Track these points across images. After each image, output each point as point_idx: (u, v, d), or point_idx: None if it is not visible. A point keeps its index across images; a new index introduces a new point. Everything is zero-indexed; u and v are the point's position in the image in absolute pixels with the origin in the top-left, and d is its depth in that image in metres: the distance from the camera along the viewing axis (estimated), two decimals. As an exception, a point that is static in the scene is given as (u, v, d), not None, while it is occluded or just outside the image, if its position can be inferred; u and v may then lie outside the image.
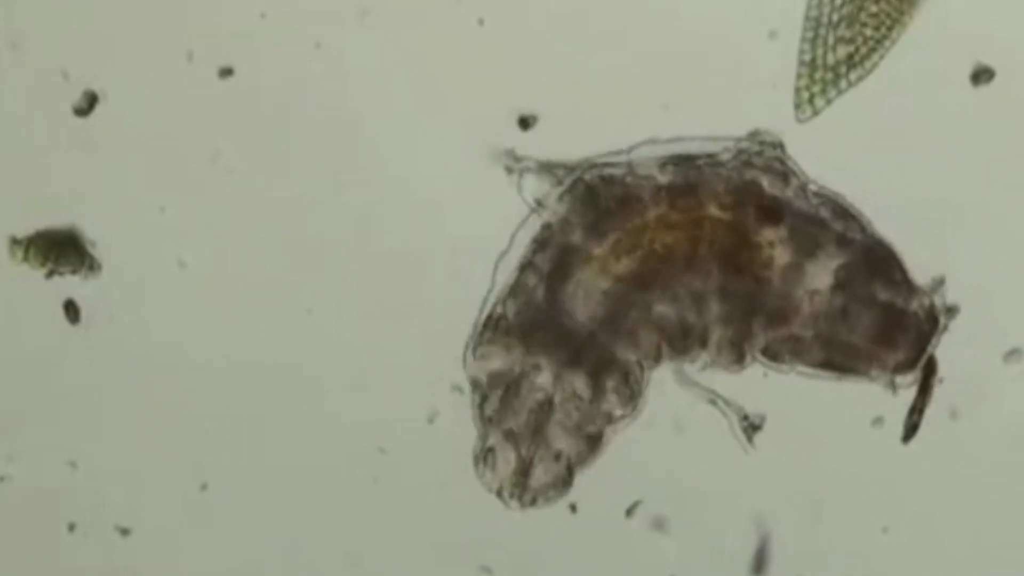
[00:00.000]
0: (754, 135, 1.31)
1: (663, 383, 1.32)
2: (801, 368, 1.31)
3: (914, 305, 1.31)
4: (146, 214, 1.36)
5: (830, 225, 1.30)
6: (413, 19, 1.34)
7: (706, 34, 1.34)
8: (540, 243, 1.31)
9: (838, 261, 1.30)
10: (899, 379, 1.32)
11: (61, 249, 1.36)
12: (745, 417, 1.33)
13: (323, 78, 1.35)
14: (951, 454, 1.35)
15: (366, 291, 1.35)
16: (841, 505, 1.36)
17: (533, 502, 1.33)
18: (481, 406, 1.32)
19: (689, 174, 1.30)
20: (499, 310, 1.31)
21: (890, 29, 1.33)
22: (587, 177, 1.31)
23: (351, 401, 1.35)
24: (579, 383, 1.31)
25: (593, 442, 1.32)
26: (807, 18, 1.33)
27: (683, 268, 1.29)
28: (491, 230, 1.33)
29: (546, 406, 1.31)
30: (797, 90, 1.33)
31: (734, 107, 1.33)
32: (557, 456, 1.32)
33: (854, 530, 1.36)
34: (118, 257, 1.37)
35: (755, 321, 1.30)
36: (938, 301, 1.31)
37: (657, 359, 1.31)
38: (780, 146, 1.31)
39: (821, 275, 1.29)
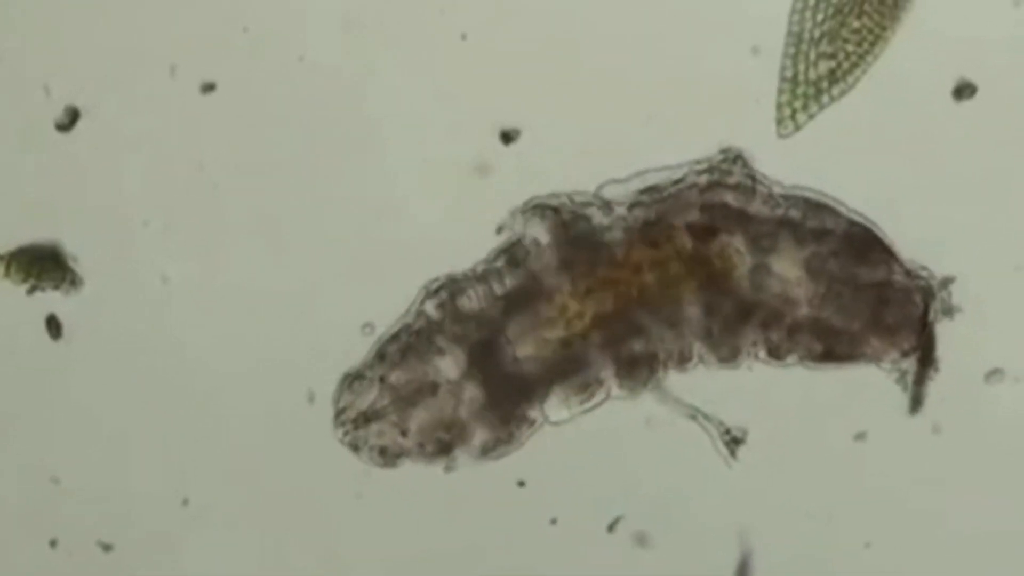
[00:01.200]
0: (726, 152, 1.32)
1: (643, 397, 1.32)
2: (805, 363, 1.31)
3: (903, 282, 1.31)
4: (128, 229, 1.36)
5: (801, 222, 1.30)
6: (396, 33, 1.34)
7: (689, 49, 1.34)
8: (511, 262, 1.31)
9: (810, 251, 1.30)
10: (905, 365, 1.31)
11: (43, 265, 1.35)
12: (727, 431, 1.33)
13: (306, 92, 1.35)
14: (933, 469, 1.35)
15: (351, 305, 1.35)
16: (824, 520, 1.36)
17: (354, 448, 1.32)
18: (386, 341, 1.32)
19: (655, 212, 1.30)
20: (462, 290, 1.31)
21: (872, 45, 1.33)
22: (564, 214, 1.31)
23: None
24: (473, 395, 1.31)
25: (442, 450, 1.32)
26: (789, 34, 1.33)
27: (653, 311, 1.29)
28: (472, 244, 1.33)
29: (431, 388, 1.31)
30: (779, 106, 1.33)
31: (716, 122, 1.33)
32: (403, 433, 1.32)
33: (837, 545, 1.36)
34: (100, 272, 1.36)
35: (743, 328, 1.30)
36: (943, 294, 1.31)
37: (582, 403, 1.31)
38: (740, 158, 1.31)
39: (792, 267, 1.29)
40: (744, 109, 1.34)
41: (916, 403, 1.32)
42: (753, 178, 1.31)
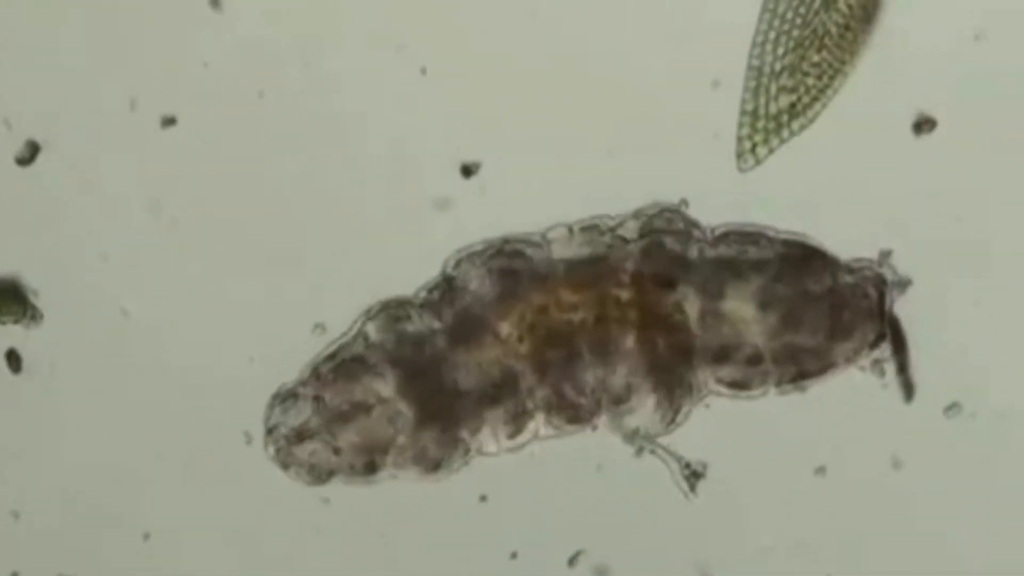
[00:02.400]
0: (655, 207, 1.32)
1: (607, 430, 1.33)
2: (779, 390, 1.31)
3: (849, 280, 1.31)
4: (89, 263, 1.36)
5: (739, 258, 1.30)
6: (356, 68, 1.34)
7: (649, 83, 1.34)
8: (450, 296, 1.31)
9: (756, 284, 1.30)
10: (877, 355, 1.31)
11: (3, 299, 1.35)
12: (687, 465, 1.33)
13: (266, 127, 1.35)
14: (894, 503, 1.35)
15: (309, 339, 1.35)
16: (785, 554, 1.36)
17: (284, 466, 1.32)
18: (324, 359, 1.32)
19: (596, 252, 1.30)
20: (405, 315, 1.31)
21: (832, 79, 1.33)
22: (505, 247, 1.32)
23: (293, 451, 1.35)
24: (405, 413, 1.30)
25: (369, 469, 1.31)
26: (749, 68, 1.33)
27: (593, 348, 1.29)
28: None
29: (365, 408, 1.31)
30: (739, 140, 1.34)
31: (677, 156, 1.33)
32: (336, 451, 1.31)
33: (797, 579, 1.37)
34: (60, 306, 1.36)
35: (695, 370, 1.30)
36: (889, 274, 1.31)
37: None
38: (677, 210, 1.31)
39: (742, 306, 1.30)
40: (704, 143, 1.34)
41: (908, 391, 1.32)
42: (695, 224, 1.31)
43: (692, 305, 1.30)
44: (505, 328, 1.30)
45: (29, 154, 1.35)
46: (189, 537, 1.37)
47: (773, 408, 1.33)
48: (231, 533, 1.37)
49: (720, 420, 1.33)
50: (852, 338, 1.31)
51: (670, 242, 1.31)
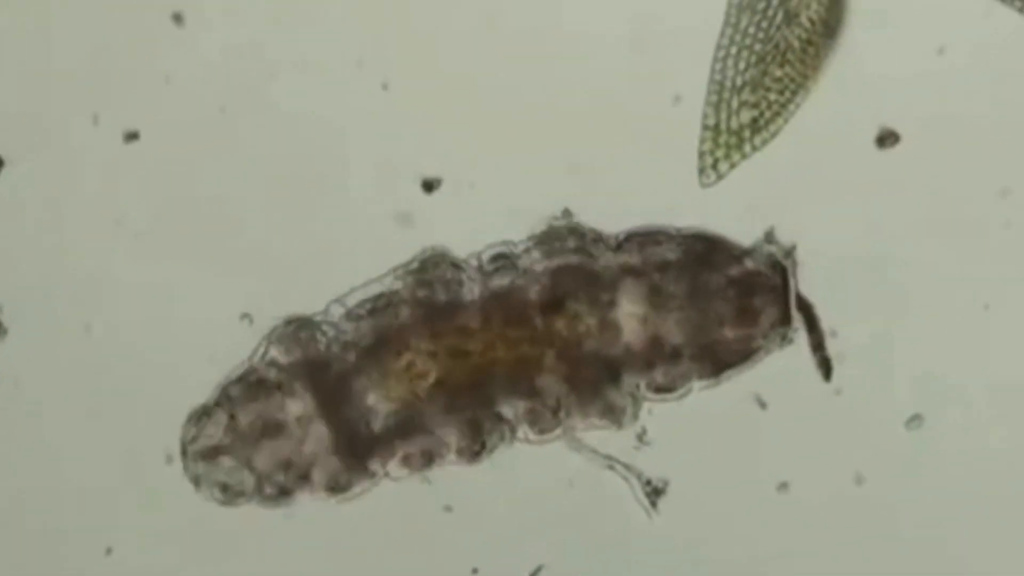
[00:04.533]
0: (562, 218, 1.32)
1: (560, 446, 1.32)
2: (701, 385, 1.30)
3: (749, 267, 1.30)
4: (52, 278, 1.36)
5: (645, 261, 1.30)
6: (318, 84, 1.35)
7: (611, 98, 1.34)
8: (371, 312, 1.31)
9: (647, 287, 1.29)
10: (788, 332, 1.31)
11: (-35, 314, 1.36)
12: (648, 482, 1.33)
13: (227, 142, 1.35)
14: (856, 519, 1.34)
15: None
16: (746, 570, 1.35)
17: (195, 483, 1.32)
18: (232, 380, 1.32)
19: (507, 283, 1.30)
20: (320, 332, 1.31)
21: (794, 93, 1.33)
22: (435, 264, 1.32)
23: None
24: (319, 435, 1.30)
25: (282, 493, 1.31)
26: (711, 82, 1.33)
27: (509, 385, 1.29)
28: (396, 294, 1.33)
29: (278, 428, 1.31)
30: (701, 154, 1.33)
31: (639, 171, 1.33)
32: (251, 470, 1.31)
33: (760, 595, 1.36)
34: (24, 321, 1.37)
35: (622, 379, 1.29)
36: (774, 249, 1.31)
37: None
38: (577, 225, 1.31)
39: (636, 310, 1.29)
40: (666, 158, 1.33)
41: (826, 368, 1.31)
42: (597, 234, 1.31)
43: (590, 320, 1.29)
44: (414, 359, 1.30)
45: (-8, 169, 1.36)
46: (151, 552, 1.37)
47: (734, 424, 1.33)
48: (193, 549, 1.37)
49: (681, 436, 1.33)
50: (760, 323, 1.30)
51: (575, 260, 1.30)
